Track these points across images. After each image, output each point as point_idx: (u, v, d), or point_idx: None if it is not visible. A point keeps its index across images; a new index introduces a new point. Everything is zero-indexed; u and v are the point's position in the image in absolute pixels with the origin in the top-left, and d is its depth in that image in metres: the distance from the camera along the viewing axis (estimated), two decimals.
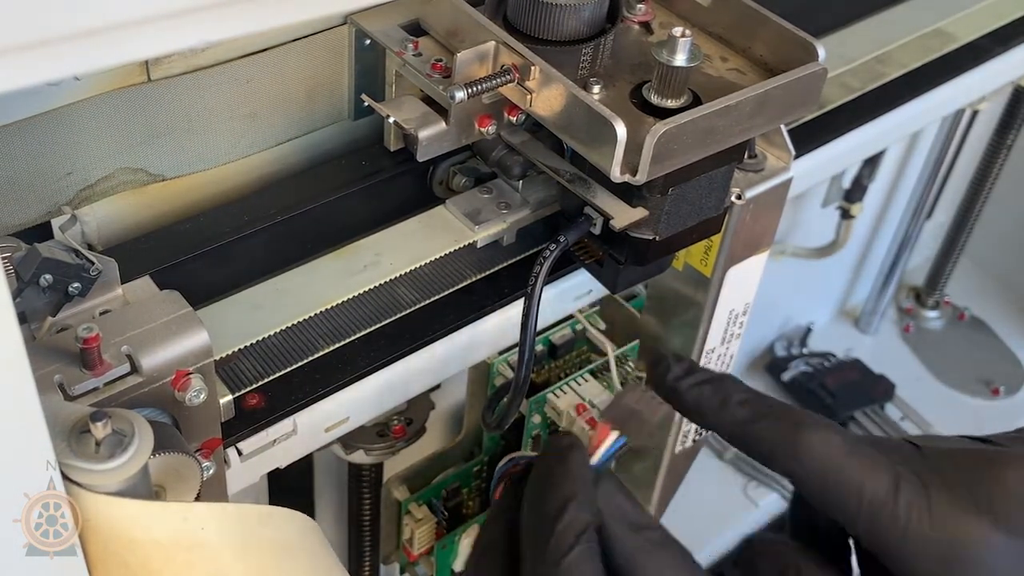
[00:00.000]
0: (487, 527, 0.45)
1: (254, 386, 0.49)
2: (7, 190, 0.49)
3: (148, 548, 0.38)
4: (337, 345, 0.51)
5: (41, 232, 0.51)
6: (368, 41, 0.56)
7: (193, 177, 0.55)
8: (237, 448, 0.49)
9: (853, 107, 0.73)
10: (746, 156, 0.59)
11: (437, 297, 0.55)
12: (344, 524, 0.79)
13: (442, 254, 0.56)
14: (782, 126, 0.60)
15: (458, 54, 0.50)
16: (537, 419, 0.67)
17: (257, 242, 0.53)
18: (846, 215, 1.10)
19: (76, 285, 0.43)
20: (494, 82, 0.49)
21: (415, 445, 0.72)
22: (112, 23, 0.26)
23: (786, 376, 1.17)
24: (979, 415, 1.19)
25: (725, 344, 0.68)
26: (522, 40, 0.50)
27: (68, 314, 0.43)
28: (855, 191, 1.08)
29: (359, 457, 0.70)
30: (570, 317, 0.68)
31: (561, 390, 0.67)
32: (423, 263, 0.55)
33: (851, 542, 0.46)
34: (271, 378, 0.49)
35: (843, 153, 0.73)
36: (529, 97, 0.50)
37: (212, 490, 0.47)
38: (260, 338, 0.50)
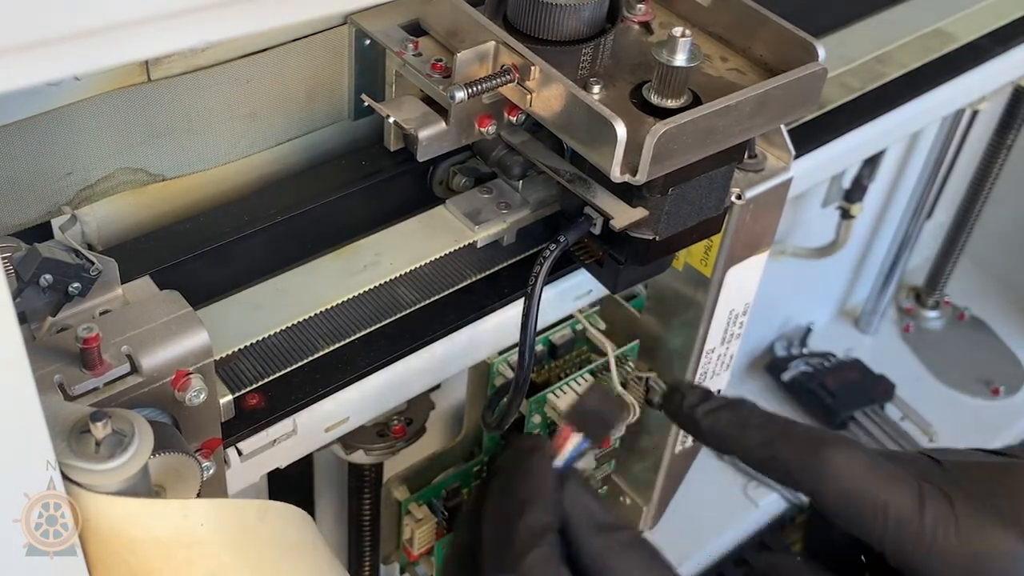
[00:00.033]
0: (457, 530, 0.45)
1: (254, 386, 0.49)
2: (7, 190, 0.49)
3: (148, 547, 0.38)
4: (337, 345, 0.51)
5: (41, 232, 0.51)
6: (368, 41, 0.56)
7: (193, 177, 0.55)
8: (237, 448, 0.49)
9: (853, 107, 0.73)
10: (746, 156, 0.59)
11: (437, 297, 0.55)
12: (344, 524, 0.79)
13: (442, 254, 0.56)
14: (782, 126, 0.60)
15: (458, 54, 0.50)
16: (537, 419, 0.67)
17: (257, 242, 0.53)
18: (846, 215, 1.10)
19: (76, 285, 0.43)
20: (494, 82, 0.49)
21: (415, 445, 0.72)
22: (112, 23, 0.26)
23: (786, 376, 1.17)
24: (979, 415, 1.19)
25: (725, 344, 0.68)
26: (522, 40, 0.50)
27: (68, 314, 0.43)
28: (855, 191, 1.08)
29: (359, 457, 0.70)
30: (570, 317, 0.68)
31: (561, 390, 0.67)
32: (423, 263, 0.55)
33: (863, 558, 0.46)
34: (271, 378, 0.49)
35: (843, 153, 0.73)
36: (529, 97, 0.50)
37: (212, 490, 0.47)
38: (260, 338, 0.51)
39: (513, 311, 0.56)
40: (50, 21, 0.25)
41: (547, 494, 0.42)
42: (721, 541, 1.02)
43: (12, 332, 0.30)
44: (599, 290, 0.60)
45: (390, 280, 0.54)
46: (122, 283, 0.45)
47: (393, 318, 0.53)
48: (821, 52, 0.51)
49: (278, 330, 0.51)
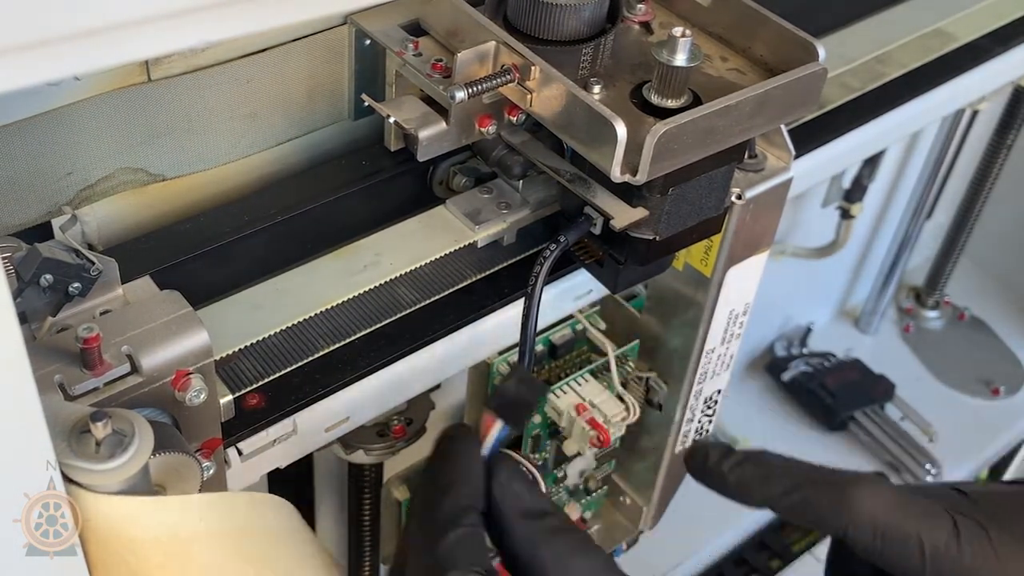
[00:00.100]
0: (405, 527, 0.46)
1: (254, 386, 0.49)
2: (7, 190, 0.49)
3: (148, 545, 0.38)
4: (337, 345, 0.51)
5: (41, 232, 0.51)
6: (368, 41, 0.56)
7: (193, 177, 0.55)
8: (237, 448, 0.49)
9: (853, 107, 0.73)
10: (746, 156, 0.59)
11: (437, 297, 0.55)
12: (344, 524, 0.79)
13: (442, 254, 0.56)
14: (782, 126, 0.60)
15: (458, 54, 0.50)
16: (537, 419, 0.67)
17: (257, 242, 0.53)
18: (846, 215, 1.10)
19: (76, 285, 0.43)
20: (494, 82, 0.49)
21: (415, 445, 0.72)
22: (112, 23, 0.26)
23: (786, 376, 1.17)
24: (979, 415, 1.19)
25: (725, 344, 0.68)
26: (522, 40, 0.50)
27: (68, 314, 0.43)
28: (855, 191, 1.08)
29: (359, 457, 0.70)
30: (570, 317, 0.68)
31: (561, 390, 0.67)
32: (423, 263, 0.55)
33: None
34: (271, 378, 0.49)
35: (843, 153, 0.73)
36: (529, 97, 0.50)
37: (212, 490, 0.47)
38: (260, 338, 0.51)
39: (513, 311, 0.56)
40: (50, 21, 0.25)
41: (471, 479, 0.42)
42: (721, 541, 1.02)
43: (12, 332, 0.30)
44: (599, 290, 0.60)
45: (390, 280, 0.54)
46: (122, 283, 0.45)
47: (393, 318, 0.53)
48: (821, 52, 0.51)
49: (278, 330, 0.51)
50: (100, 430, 0.36)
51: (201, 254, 0.51)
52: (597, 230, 0.53)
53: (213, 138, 0.55)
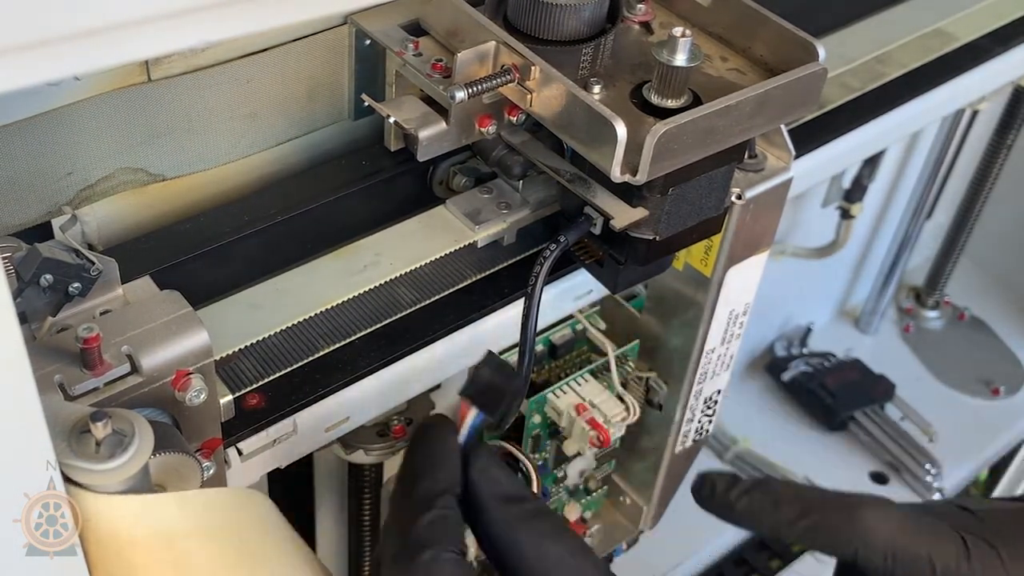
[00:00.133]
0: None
1: (254, 386, 0.49)
2: (7, 190, 0.49)
3: (142, 544, 0.38)
4: (337, 345, 0.51)
5: (41, 232, 0.51)
6: (368, 41, 0.56)
7: (193, 177, 0.55)
8: (237, 448, 0.49)
9: (853, 107, 0.73)
10: (746, 156, 0.59)
11: (437, 297, 0.55)
12: (344, 524, 0.79)
13: (442, 254, 0.56)
14: (782, 126, 0.60)
15: (458, 54, 0.50)
16: (537, 419, 0.67)
17: (257, 242, 0.53)
18: (846, 215, 1.10)
19: (76, 285, 0.43)
20: (494, 82, 0.49)
21: None
22: (112, 23, 0.26)
23: (786, 376, 1.17)
24: (979, 415, 1.19)
25: (725, 344, 0.68)
26: (522, 40, 0.50)
27: (68, 314, 0.43)
28: (855, 191, 1.08)
29: (359, 457, 0.70)
30: (570, 317, 0.68)
31: (561, 390, 0.67)
32: (423, 263, 0.55)
33: None
34: (271, 378, 0.49)
35: (843, 153, 0.73)
36: (529, 97, 0.50)
37: None
38: (260, 338, 0.51)
39: (513, 311, 0.56)
40: (50, 21, 0.25)
41: (447, 464, 0.43)
42: (721, 541, 1.02)
43: (12, 332, 0.30)
44: (599, 290, 0.60)
45: (390, 280, 0.54)
46: (122, 283, 0.45)
47: (393, 318, 0.53)
48: (821, 52, 0.51)
49: (278, 330, 0.51)
50: (100, 430, 0.36)
51: (201, 254, 0.51)
52: (597, 230, 0.53)
53: (213, 138, 0.55)
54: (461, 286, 0.55)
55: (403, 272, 0.55)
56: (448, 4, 0.52)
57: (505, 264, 0.57)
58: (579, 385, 0.67)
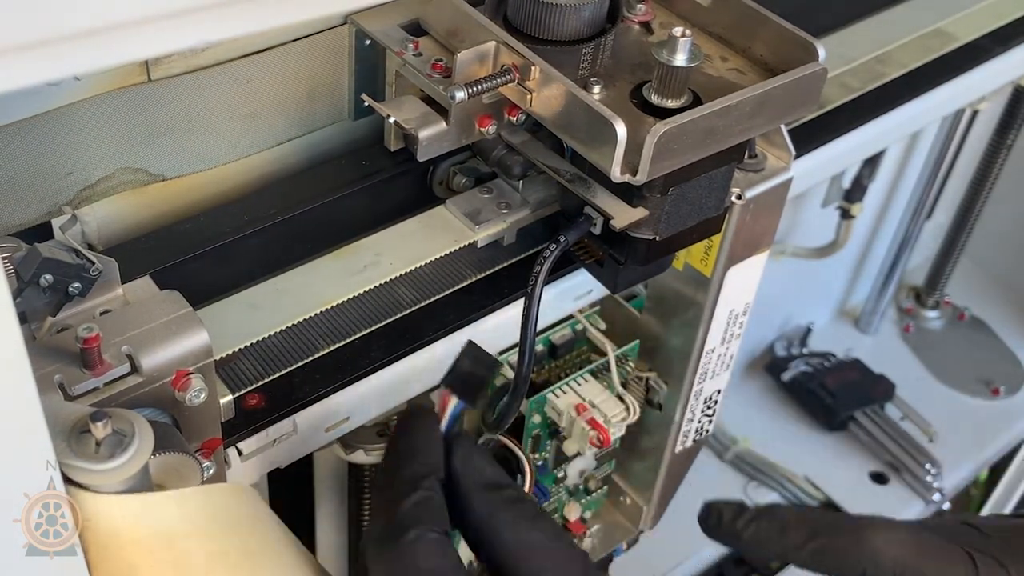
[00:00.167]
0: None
1: (254, 386, 0.49)
2: (7, 190, 0.49)
3: (148, 542, 0.38)
4: (337, 345, 0.51)
5: (41, 232, 0.51)
6: (368, 41, 0.56)
7: (193, 177, 0.55)
8: (237, 448, 0.49)
9: (853, 107, 0.73)
10: (746, 156, 0.59)
11: (437, 297, 0.55)
12: (344, 524, 0.79)
13: (442, 254, 0.56)
14: (782, 126, 0.60)
15: (458, 54, 0.50)
16: (537, 419, 0.67)
17: (257, 242, 0.53)
18: (846, 215, 1.10)
19: (76, 285, 0.43)
20: (494, 82, 0.49)
21: None
22: (112, 23, 0.26)
23: (786, 376, 1.17)
24: (979, 415, 1.19)
25: (725, 344, 0.68)
26: (522, 40, 0.50)
27: (68, 314, 0.43)
28: (855, 191, 1.08)
29: (359, 457, 0.70)
30: (570, 317, 0.68)
31: (561, 390, 0.67)
32: (423, 263, 0.55)
33: None
34: (271, 378, 0.49)
35: (843, 153, 0.73)
36: (529, 97, 0.50)
37: None
38: (260, 338, 0.51)
39: (513, 311, 0.56)
40: (50, 21, 0.25)
41: (430, 450, 0.43)
42: None
43: (12, 332, 0.30)
44: (599, 290, 0.60)
45: (390, 280, 0.54)
46: (122, 283, 0.45)
47: (393, 318, 0.53)
48: (821, 52, 0.51)
49: (278, 330, 0.51)
50: (100, 430, 0.36)
51: (201, 254, 0.51)
52: (597, 230, 0.53)
53: (213, 138, 0.55)
54: (461, 286, 0.55)
55: (403, 272, 0.55)
56: (448, 4, 0.52)
57: (505, 264, 0.57)
58: (579, 385, 0.67)
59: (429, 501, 0.42)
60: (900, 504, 1.09)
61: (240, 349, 0.50)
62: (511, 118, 0.53)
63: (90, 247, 0.52)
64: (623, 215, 0.51)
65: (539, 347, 0.67)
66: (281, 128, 0.57)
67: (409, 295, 0.54)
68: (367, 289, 0.54)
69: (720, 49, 0.54)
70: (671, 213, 0.52)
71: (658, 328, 0.69)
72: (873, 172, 1.07)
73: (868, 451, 1.13)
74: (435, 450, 0.44)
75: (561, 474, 0.73)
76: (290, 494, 0.71)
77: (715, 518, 0.50)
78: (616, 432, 0.66)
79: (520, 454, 0.64)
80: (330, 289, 0.53)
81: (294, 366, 0.50)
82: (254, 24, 0.29)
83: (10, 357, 0.30)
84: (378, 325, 0.53)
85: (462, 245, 0.56)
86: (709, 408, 0.72)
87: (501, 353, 0.65)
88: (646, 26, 0.55)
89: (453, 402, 0.46)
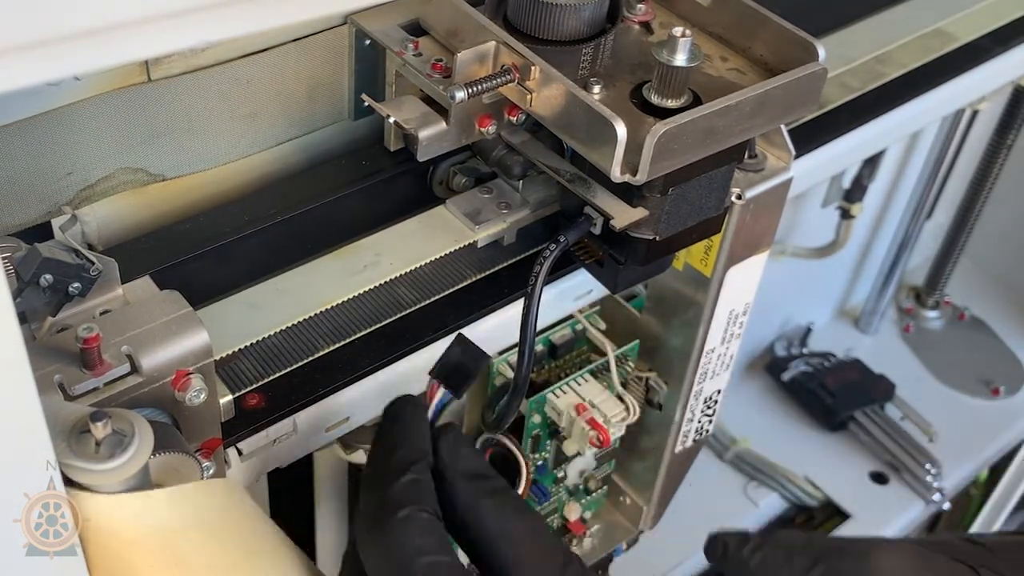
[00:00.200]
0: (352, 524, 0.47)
1: (254, 386, 0.49)
2: (7, 190, 0.49)
3: (147, 542, 0.38)
4: (337, 345, 0.51)
5: (41, 232, 0.51)
6: (368, 41, 0.56)
7: (193, 177, 0.55)
8: (237, 448, 0.49)
9: (853, 107, 0.73)
10: (746, 156, 0.59)
11: (437, 297, 0.55)
12: (344, 524, 0.79)
13: (442, 254, 0.56)
14: (782, 126, 0.60)
15: (458, 54, 0.50)
16: (537, 419, 0.67)
17: (257, 242, 0.53)
18: (846, 215, 1.10)
19: (76, 285, 0.43)
20: (494, 82, 0.49)
21: None
22: (112, 23, 0.26)
23: (786, 376, 1.17)
24: (979, 415, 1.19)
25: (725, 344, 0.68)
26: (522, 40, 0.50)
27: (68, 314, 0.43)
28: (855, 191, 1.08)
29: (359, 457, 0.70)
30: (570, 317, 0.68)
31: (561, 390, 0.67)
32: (423, 263, 0.55)
33: None
34: (271, 378, 0.49)
35: (843, 153, 0.73)
36: (529, 97, 0.50)
37: None
38: (260, 338, 0.51)
39: (513, 311, 0.56)
40: (50, 21, 0.25)
41: (419, 436, 0.44)
42: None
43: (12, 332, 0.30)
44: (599, 290, 0.60)
45: (390, 280, 0.54)
46: (122, 283, 0.45)
47: (393, 318, 0.53)
48: (821, 52, 0.51)
49: (278, 330, 0.51)
50: (100, 430, 0.36)
51: (201, 254, 0.51)
52: (597, 230, 0.53)
53: (213, 138, 0.55)
54: (461, 286, 0.55)
55: (403, 272, 0.55)
56: (448, 4, 0.52)
57: (505, 264, 0.57)
58: (579, 385, 0.67)
59: (419, 483, 0.43)
60: (900, 504, 1.09)
61: (240, 349, 0.50)
62: (511, 118, 0.53)
63: (90, 247, 0.52)
64: (623, 215, 0.51)
65: (539, 347, 0.68)
66: (281, 128, 0.57)
67: (409, 295, 0.54)
68: (367, 289, 0.54)
69: (720, 49, 0.54)
70: (671, 213, 0.52)
71: (658, 328, 0.69)
72: (873, 172, 1.07)
73: (868, 451, 1.13)
74: (425, 437, 0.45)
75: (561, 474, 0.73)
76: (290, 494, 0.71)
77: (720, 549, 0.51)
78: (616, 432, 0.66)
79: (518, 454, 0.64)
80: (330, 289, 0.53)
81: (294, 366, 0.50)
82: (254, 24, 0.29)
83: (10, 357, 0.30)
84: (378, 325, 0.53)
85: (462, 245, 0.56)
86: (709, 408, 0.72)
87: (501, 353, 0.65)
88: (646, 26, 0.55)
89: (440, 393, 0.47)
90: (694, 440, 0.74)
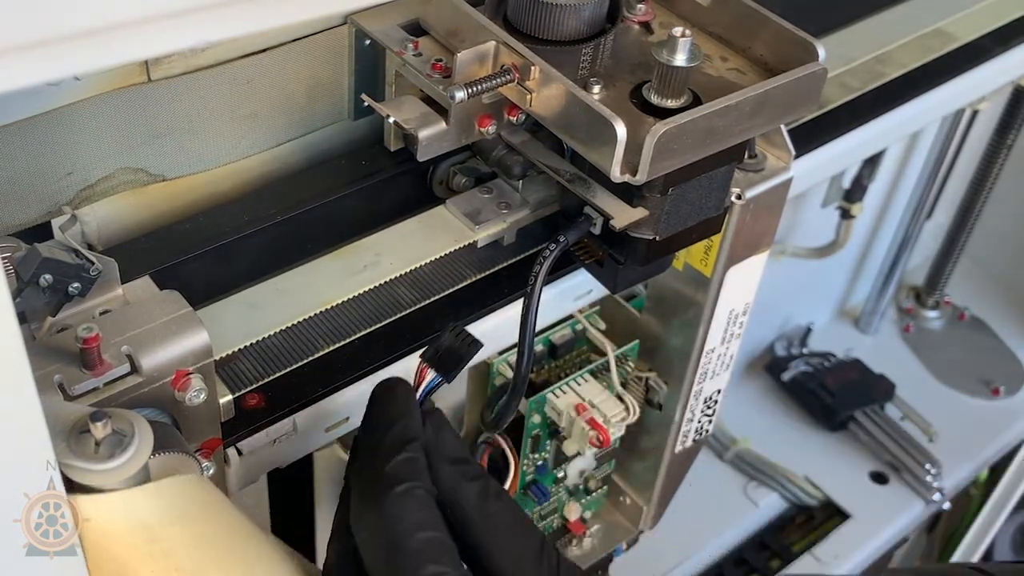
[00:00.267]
0: (339, 508, 0.47)
1: (254, 386, 0.49)
2: (7, 190, 0.49)
3: (133, 537, 0.38)
4: (337, 345, 0.51)
5: (41, 232, 0.51)
6: (368, 41, 0.56)
7: (193, 177, 0.55)
8: (237, 448, 0.49)
9: (853, 107, 0.73)
10: (746, 156, 0.59)
11: (437, 297, 0.55)
12: None
13: (442, 254, 0.56)
14: (782, 126, 0.60)
15: (458, 54, 0.50)
16: (537, 419, 0.67)
17: (257, 242, 0.53)
18: (846, 215, 1.09)
19: (76, 285, 0.43)
20: (494, 82, 0.49)
21: None
22: (112, 23, 0.26)
23: (786, 376, 1.17)
24: (979, 415, 1.19)
25: (725, 344, 0.68)
26: (522, 40, 0.50)
27: (68, 314, 0.43)
28: (855, 191, 1.08)
29: None
30: (570, 317, 0.68)
31: (561, 390, 0.67)
32: (423, 263, 0.55)
33: None
34: (271, 378, 0.49)
35: (843, 153, 0.73)
36: (529, 97, 0.50)
37: None
38: (260, 338, 0.51)
39: (513, 311, 0.56)
40: (50, 21, 0.25)
41: (411, 417, 0.45)
42: (721, 541, 1.03)
43: (12, 332, 0.30)
44: (599, 290, 0.60)
45: (390, 280, 0.54)
46: (122, 283, 0.45)
47: (393, 318, 0.53)
48: (821, 52, 0.51)
49: (278, 330, 0.51)
50: (100, 430, 0.36)
51: (201, 254, 0.51)
52: (597, 230, 0.53)
53: (213, 138, 0.55)
54: (461, 286, 0.55)
55: (403, 272, 0.55)
56: (448, 4, 0.52)
57: (505, 264, 0.57)
58: (579, 385, 0.67)
59: (416, 461, 0.43)
60: (900, 504, 1.09)
61: (240, 349, 0.50)
62: (511, 118, 0.53)
63: (90, 247, 0.52)
64: (623, 215, 0.51)
65: (539, 347, 0.68)
66: (281, 128, 0.57)
67: (409, 295, 0.54)
68: (367, 289, 0.54)
69: (720, 49, 0.54)
70: (671, 213, 0.52)
71: (658, 328, 0.69)
72: (873, 172, 1.07)
73: (868, 451, 1.13)
74: (416, 418, 0.45)
75: (561, 474, 0.73)
76: (290, 494, 0.71)
77: None
78: (616, 432, 0.66)
79: (508, 451, 0.65)
80: (330, 289, 0.53)
81: (294, 366, 0.50)
82: (254, 24, 0.29)
83: (10, 357, 0.30)
84: (378, 325, 0.53)
85: (462, 245, 0.56)
86: (709, 408, 0.72)
87: (501, 353, 0.65)
88: (646, 26, 0.55)
89: (430, 376, 0.47)
90: (694, 440, 0.74)
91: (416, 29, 0.55)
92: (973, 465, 1.15)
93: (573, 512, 0.76)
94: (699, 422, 0.73)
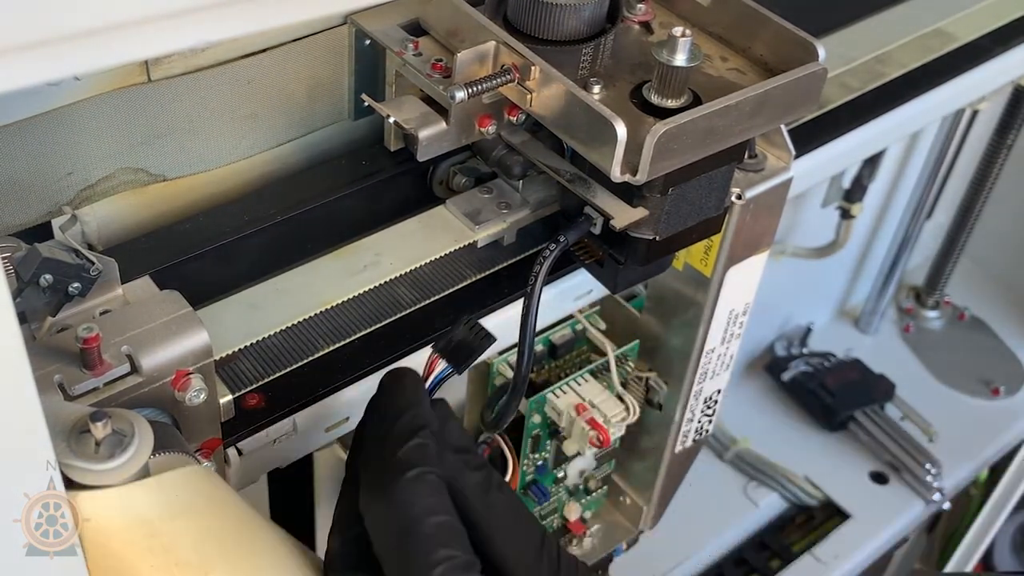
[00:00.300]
0: (340, 499, 0.47)
1: (254, 386, 0.49)
2: (7, 190, 0.49)
3: (130, 533, 0.38)
4: (337, 345, 0.51)
5: (41, 232, 0.51)
6: (368, 41, 0.56)
7: (194, 177, 0.55)
8: (237, 448, 0.49)
9: (853, 107, 0.73)
10: (746, 156, 0.59)
11: (437, 297, 0.55)
12: None
13: (442, 254, 0.56)
14: (782, 126, 0.60)
15: (458, 54, 0.50)
16: (537, 419, 0.67)
17: (257, 242, 0.53)
18: (846, 215, 1.09)
19: (76, 285, 0.43)
20: (494, 82, 0.49)
21: None
22: (112, 23, 0.26)
23: (786, 376, 1.17)
24: (979, 415, 1.19)
25: (725, 344, 0.68)
26: (522, 40, 0.50)
27: (68, 314, 0.43)
28: (855, 191, 1.08)
29: None
30: (570, 317, 0.68)
31: (561, 390, 0.67)
32: (423, 263, 0.55)
33: None
34: (271, 378, 0.49)
35: (843, 153, 0.73)
36: (529, 97, 0.50)
37: None
38: (260, 338, 0.51)
39: (513, 311, 0.56)
40: (50, 21, 0.25)
41: (422, 404, 0.45)
42: (721, 541, 1.02)
43: (12, 332, 0.30)
44: (599, 290, 0.60)
45: (390, 280, 0.54)
46: (122, 283, 0.45)
47: (393, 318, 0.53)
48: (821, 52, 0.51)
49: (278, 330, 0.51)
50: (100, 430, 0.36)
51: (201, 254, 0.51)
52: (597, 230, 0.53)
53: (214, 139, 0.55)
54: (461, 286, 0.55)
55: (403, 272, 0.55)
56: (448, 4, 0.52)
57: (505, 264, 0.57)
58: (579, 385, 0.67)
59: (427, 448, 0.43)
60: (900, 504, 1.09)
61: (240, 349, 0.50)
62: (511, 118, 0.53)
63: (90, 247, 0.52)
64: (623, 215, 0.51)
65: (539, 347, 0.68)
66: (281, 128, 0.57)
67: (409, 295, 0.54)
68: (367, 289, 0.54)
69: (720, 49, 0.54)
70: (671, 213, 0.52)
71: (658, 328, 0.69)
72: (873, 172, 1.07)
73: (868, 451, 1.13)
74: (427, 406, 0.45)
75: (561, 474, 0.73)
76: (290, 494, 0.71)
77: None
78: (616, 432, 0.66)
79: (506, 450, 0.65)
80: (330, 289, 0.53)
81: (294, 366, 0.50)
82: (254, 24, 0.29)
83: (10, 357, 0.30)
84: (378, 325, 0.53)
85: (462, 245, 0.56)
86: (709, 408, 0.72)
87: (501, 353, 0.65)
88: (646, 26, 0.55)
89: (440, 367, 0.47)
90: (694, 440, 0.74)
91: (416, 29, 0.55)
92: (973, 465, 1.15)
93: (573, 512, 0.76)
94: (699, 422, 0.73)
